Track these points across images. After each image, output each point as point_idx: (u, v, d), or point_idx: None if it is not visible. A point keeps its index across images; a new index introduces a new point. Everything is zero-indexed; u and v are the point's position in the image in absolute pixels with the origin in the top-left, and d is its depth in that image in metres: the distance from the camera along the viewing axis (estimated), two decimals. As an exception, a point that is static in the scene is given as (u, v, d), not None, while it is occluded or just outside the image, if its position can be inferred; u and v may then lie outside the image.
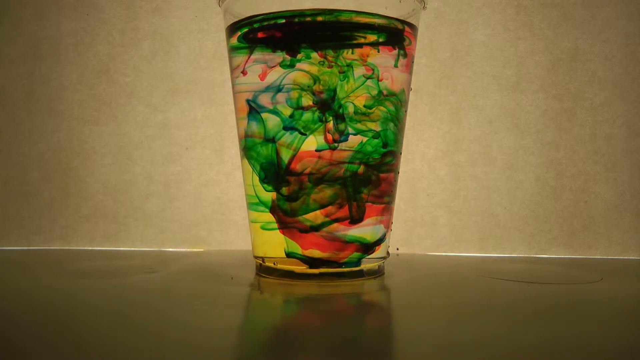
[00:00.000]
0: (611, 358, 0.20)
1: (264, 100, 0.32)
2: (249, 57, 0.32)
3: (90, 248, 0.47)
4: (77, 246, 0.47)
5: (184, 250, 0.46)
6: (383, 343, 0.23)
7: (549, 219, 0.46)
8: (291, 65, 0.31)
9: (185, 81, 0.47)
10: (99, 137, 0.47)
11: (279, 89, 0.31)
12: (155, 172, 0.47)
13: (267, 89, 0.31)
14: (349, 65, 0.31)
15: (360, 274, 0.33)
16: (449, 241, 0.46)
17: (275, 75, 0.31)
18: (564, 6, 0.46)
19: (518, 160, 0.46)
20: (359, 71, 0.31)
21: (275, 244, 0.32)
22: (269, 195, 0.32)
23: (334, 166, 0.31)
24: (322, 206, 0.31)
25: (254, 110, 0.32)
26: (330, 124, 0.31)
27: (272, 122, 0.31)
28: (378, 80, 0.31)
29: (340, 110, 0.31)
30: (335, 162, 0.31)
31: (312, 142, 0.31)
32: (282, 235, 0.32)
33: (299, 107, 0.31)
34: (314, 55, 0.30)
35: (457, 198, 0.46)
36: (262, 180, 0.32)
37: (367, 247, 0.33)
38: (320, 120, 0.31)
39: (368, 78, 0.31)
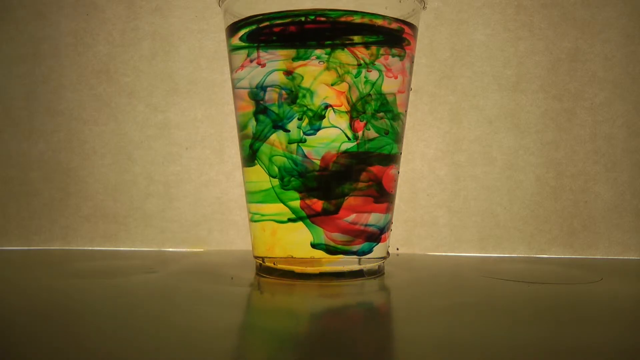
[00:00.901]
0: (611, 358, 0.20)
1: (264, 99, 0.32)
2: (250, 57, 0.32)
3: (90, 248, 0.47)
4: (77, 246, 0.47)
5: (184, 250, 0.46)
6: (383, 343, 0.23)
7: (549, 219, 0.46)
8: (292, 64, 0.31)
9: (185, 81, 0.47)
10: (99, 137, 0.47)
11: (280, 89, 0.31)
12: (155, 172, 0.47)
13: (267, 89, 0.31)
14: (349, 65, 0.31)
15: (360, 273, 0.33)
16: (449, 241, 0.46)
17: (275, 75, 0.31)
18: (564, 6, 0.46)
19: (518, 160, 0.46)
20: (359, 71, 0.31)
21: (299, 239, 0.32)
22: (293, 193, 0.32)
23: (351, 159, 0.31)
24: (343, 195, 0.31)
25: (257, 110, 0.32)
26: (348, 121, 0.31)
27: (273, 122, 0.31)
28: (378, 80, 0.31)
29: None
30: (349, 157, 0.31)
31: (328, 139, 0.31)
32: (305, 229, 0.31)
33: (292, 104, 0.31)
34: (314, 55, 0.30)
35: (457, 198, 0.46)
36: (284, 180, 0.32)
37: (376, 236, 0.33)
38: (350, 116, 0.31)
39: (367, 78, 0.31)
